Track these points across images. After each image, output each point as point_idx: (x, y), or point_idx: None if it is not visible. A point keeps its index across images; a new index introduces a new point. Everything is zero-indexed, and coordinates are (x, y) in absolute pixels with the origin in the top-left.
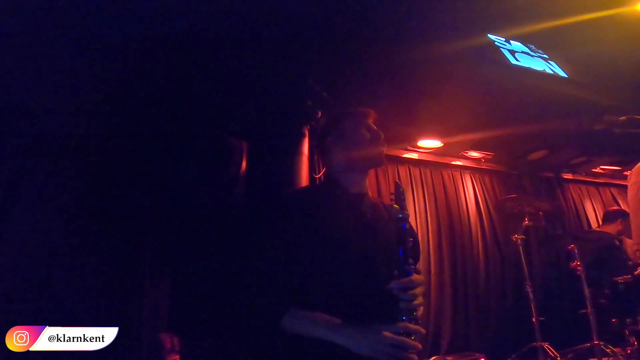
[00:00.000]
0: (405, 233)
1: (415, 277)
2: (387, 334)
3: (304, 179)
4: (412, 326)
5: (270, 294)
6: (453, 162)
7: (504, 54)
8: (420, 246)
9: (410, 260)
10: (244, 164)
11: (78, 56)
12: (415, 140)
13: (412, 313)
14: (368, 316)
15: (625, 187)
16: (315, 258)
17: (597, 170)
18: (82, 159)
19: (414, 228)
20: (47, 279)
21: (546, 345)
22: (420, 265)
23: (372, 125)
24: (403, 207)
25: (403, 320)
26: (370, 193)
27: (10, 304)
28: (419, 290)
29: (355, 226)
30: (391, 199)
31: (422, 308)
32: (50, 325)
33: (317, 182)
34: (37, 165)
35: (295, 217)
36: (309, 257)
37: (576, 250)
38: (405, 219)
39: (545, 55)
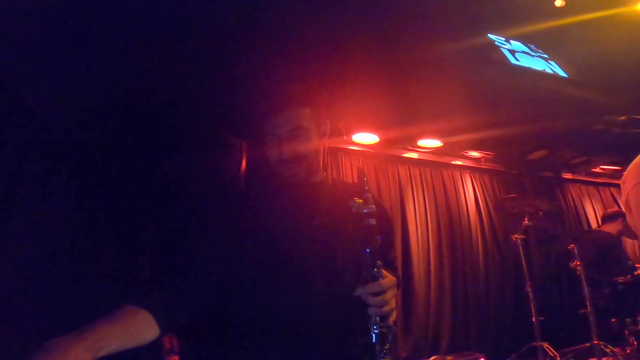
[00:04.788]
0: (371, 230)
1: (385, 280)
2: None
3: None
4: None
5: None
6: (453, 162)
7: (504, 54)
8: (420, 246)
9: (379, 262)
10: (243, 163)
11: (77, 55)
12: (415, 140)
13: (384, 320)
14: (334, 325)
15: None
16: (253, 264)
17: (597, 170)
18: (82, 159)
19: (413, 228)
20: (46, 279)
21: (546, 345)
22: (420, 264)
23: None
24: (367, 200)
25: (374, 328)
26: (330, 178)
27: (9, 304)
28: (389, 294)
29: (306, 225)
30: (355, 190)
31: (395, 313)
32: (48, 325)
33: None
34: (36, 165)
35: (233, 216)
36: (245, 263)
37: (576, 250)
38: (371, 214)
39: (545, 55)
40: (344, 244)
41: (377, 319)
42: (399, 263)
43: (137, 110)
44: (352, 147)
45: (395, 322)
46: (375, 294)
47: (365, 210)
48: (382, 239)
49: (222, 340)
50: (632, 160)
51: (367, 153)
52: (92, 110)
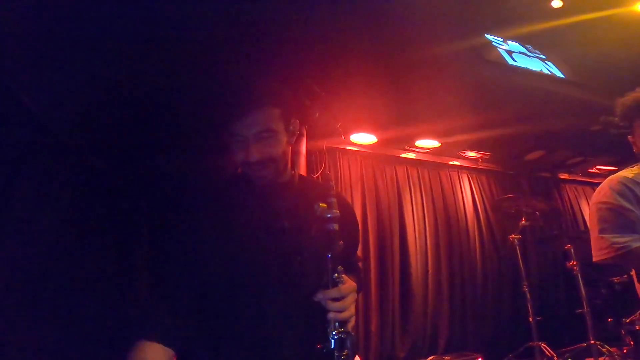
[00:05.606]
0: (334, 235)
1: (345, 286)
2: None
3: None
4: None
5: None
6: (450, 162)
7: (502, 54)
8: (418, 246)
9: (340, 268)
10: None
11: (76, 56)
12: (413, 140)
13: (343, 325)
14: (292, 330)
15: None
16: (217, 268)
17: (593, 170)
18: (80, 160)
19: (411, 228)
20: (43, 279)
21: (543, 344)
22: (418, 265)
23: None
24: (331, 205)
25: (333, 334)
26: (297, 176)
27: (4, 306)
28: (349, 300)
29: (267, 227)
30: (319, 194)
31: (353, 319)
32: (47, 330)
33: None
34: (34, 166)
35: (195, 217)
36: (212, 267)
37: (572, 250)
38: (334, 218)
39: (542, 56)
40: (305, 249)
41: (337, 324)
42: (396, 263)
43: (135, 111)
44: (350, 148)
45: (354, 328)
46: (335, 300)
47: (328, 215)
48: (347, 242)
49: (205, 342)
50: (629, 160)
51: (365, 153)
52: (91, 110)
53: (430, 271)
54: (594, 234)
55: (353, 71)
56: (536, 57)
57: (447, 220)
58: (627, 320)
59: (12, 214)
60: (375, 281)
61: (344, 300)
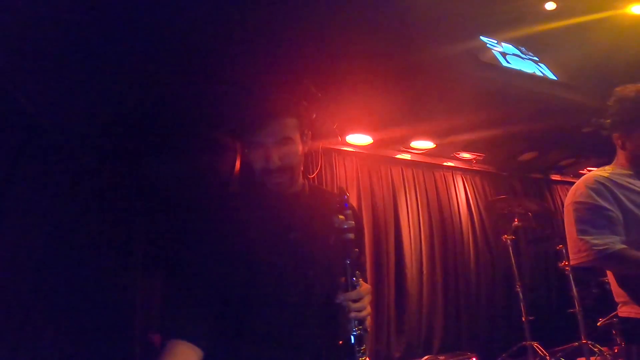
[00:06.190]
0: (351, 244)
1: (362, 288)
2: None
3: None
4: None
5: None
6: (445, 163)
7: (496, 56)
8: (413, 247)
9: (358, 272)
10: (237, 163)
11: (74, 57)
12: (408, 141)
13: (362, 323)
14: (312, 332)
15: None
16: (233, 274)
17: (584, 171)
18: (77, 160)
19: (406, 229)
20: (39, 281)
21: (535, 344)
22: (413, 265)
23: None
24: (348, 217)
25: (353, 331)
26: (307, 186)
27: (2, 304)
28: (366, 300)
29: (281, 239)
30: (337, 207)
31: (369, 318)
32: (42, 327)
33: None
34: (31, 166)
35: (208, 226)
36: (226, 272)
37: (564, 251)
38: (351, 229)
39: (535, 58)
40: (316, 258)
41: (356, 322)
42: (391, 263)
43: (131, 112)
44: (346, 148)
45: (369, 325)
46: (355, 301)
47: (345, 226)
48: (359, 247)
49: (227, 343)
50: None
51: (361, 154)
52: (87, 110)
53: (424, 272)
54: (571, 236)
55: (349, 72)
56: (529, 59)
57: (441, 221)
58: (599, 324)
59: (10, 213)
60: (370, 281)
61: (362, 301)
